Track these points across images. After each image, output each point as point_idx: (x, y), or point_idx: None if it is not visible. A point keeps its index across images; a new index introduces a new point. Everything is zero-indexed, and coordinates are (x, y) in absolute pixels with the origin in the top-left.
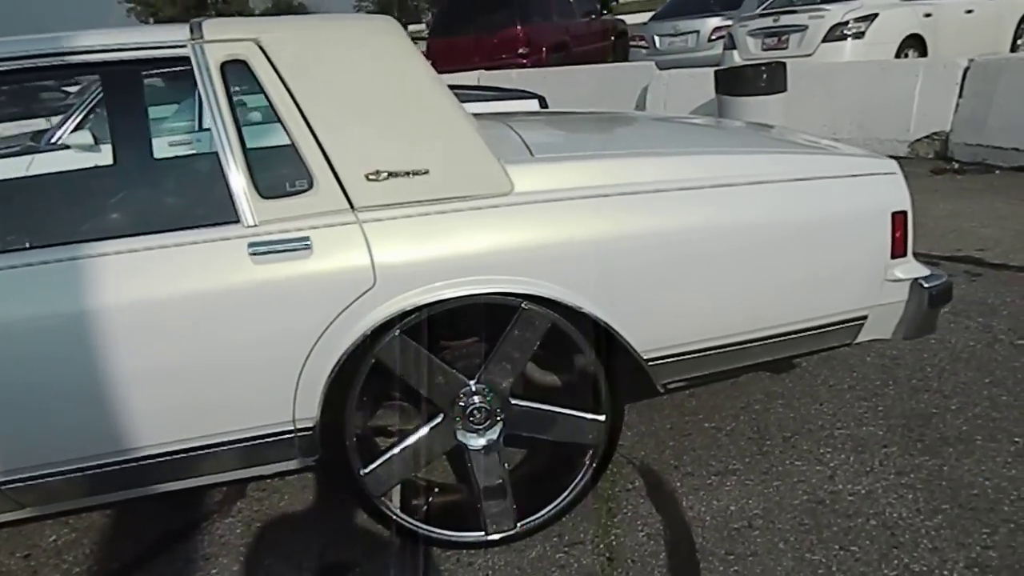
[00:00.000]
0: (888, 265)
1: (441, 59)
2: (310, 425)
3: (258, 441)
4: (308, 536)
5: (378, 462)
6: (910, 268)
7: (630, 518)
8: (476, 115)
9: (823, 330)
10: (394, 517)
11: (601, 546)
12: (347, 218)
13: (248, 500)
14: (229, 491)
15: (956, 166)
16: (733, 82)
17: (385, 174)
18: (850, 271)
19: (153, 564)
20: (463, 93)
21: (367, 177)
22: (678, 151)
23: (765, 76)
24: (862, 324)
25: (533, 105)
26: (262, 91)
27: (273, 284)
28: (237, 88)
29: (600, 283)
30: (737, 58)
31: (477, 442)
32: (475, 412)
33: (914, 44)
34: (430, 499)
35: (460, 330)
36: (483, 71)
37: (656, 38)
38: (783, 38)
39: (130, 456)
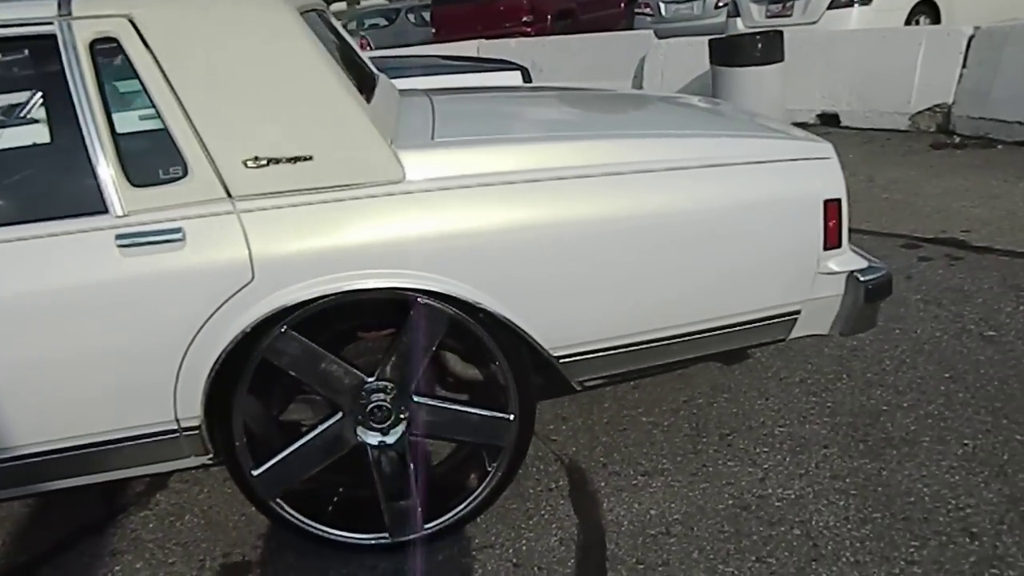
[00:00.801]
0: (821, 257)
1: (444, 27)
2: (195, 424)
3: (141, 440)
4: (217, 533)
5: (271, 463)
6: (845, 260)
7: (546, 520)
8: (406, 90)
9: (752, 325)
10: (289, 519)
11: (511, 551)
12: (223, 208)
13: (168, 492)
14: (152, 482)
15: (957, 140)
16: (727, 52)
17: (265, 160)
18: (778, 263)
19: (61, 559)
20: (443, 65)
21: (245, 164)
22: (590, 134)
23: (760, 45)
24: (795, 319)
25: (515, 77)
26: (134, 72)
27: (143, 278)
28: (107, 68)
29: (500, 277)
30: (740, 25)
31: (379, 441)
32: (375, 410)
33: (926, 11)
34: (334, 499)
35: (370, 322)
36: (484, 40)
37: (662, 5)
38: (787, 4)
39: (7, 455)
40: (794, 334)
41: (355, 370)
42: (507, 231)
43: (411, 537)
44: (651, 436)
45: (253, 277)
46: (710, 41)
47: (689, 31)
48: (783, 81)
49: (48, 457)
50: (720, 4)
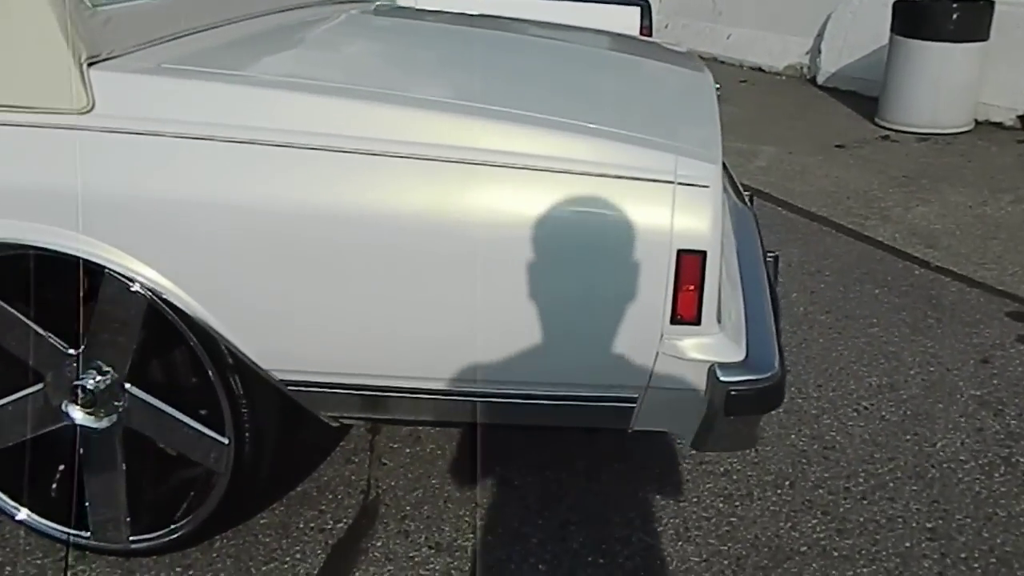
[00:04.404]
0: (666, 332)
1: None
2: None
3: None
4: None
5: None
6: (705, 345)
7: (275, 571)
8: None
9: (560, 402)
10: None
11: None
12: None
13: None
14: None
15: None
16: (912, 20)
17: None
18: (595, 326)
19: None
20: None
21: None
22: (373, 92)
23: (956, 16)
24: (631, 408)
25: (632, 14)
26: None
27: None
28: None
29: (198, 264)
30: None
31: (88, 425)
32: (79, 389)
33: None
34: (55, 480)
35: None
36: None
37: None
38: None
39: None
40: (640, 426)
41: (52, 337)
42: (211, 204)
43: (114, 546)
44: (485, 493)
45: None
46: (895, 5)
47: None
48: (980, 66)
49: None
50: None
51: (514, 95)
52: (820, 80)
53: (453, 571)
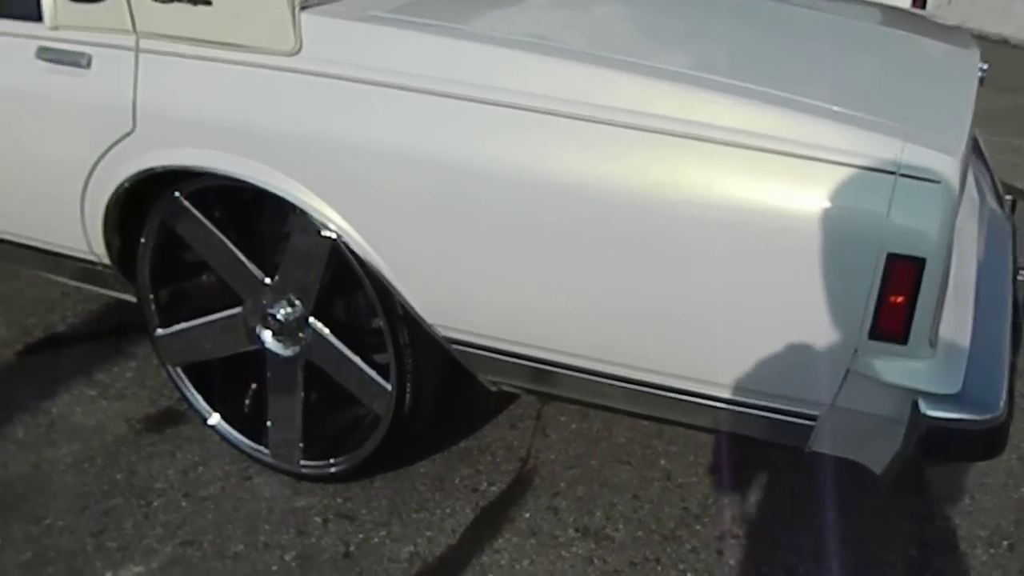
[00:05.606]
0: (863, 347)
1: None
2: (108, 263)
3: (64, 259)
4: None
5: (172, 329)
6: (909, 369)
7: (425, 524)
8: None
9: (727, 407)
10: (181, 387)
11: (360, 536)
12: (127, 42)
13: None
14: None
15: None
16: None
17: None
18: (778, 326)
19: None
20: None
21: None
22: (580, 53)
23: None
24: (810, 427)
25: None
26: None
27: (52, 98)
28: None
29: (376, 212)
30: None
31: (277, 351)
32: (270, 317)
33: None
34: (247, 397)
35: None
36: None
37: None
38: None
39: None
40: (818, 448)
41: (252, 265)
42: (399, 155)
43: (286, 466)
44: (646, 485)
45: (134, 128)
46: None
47: None
48: None
49: None
50: None
51: (737, 64)
52: None
53: (595, 559)
